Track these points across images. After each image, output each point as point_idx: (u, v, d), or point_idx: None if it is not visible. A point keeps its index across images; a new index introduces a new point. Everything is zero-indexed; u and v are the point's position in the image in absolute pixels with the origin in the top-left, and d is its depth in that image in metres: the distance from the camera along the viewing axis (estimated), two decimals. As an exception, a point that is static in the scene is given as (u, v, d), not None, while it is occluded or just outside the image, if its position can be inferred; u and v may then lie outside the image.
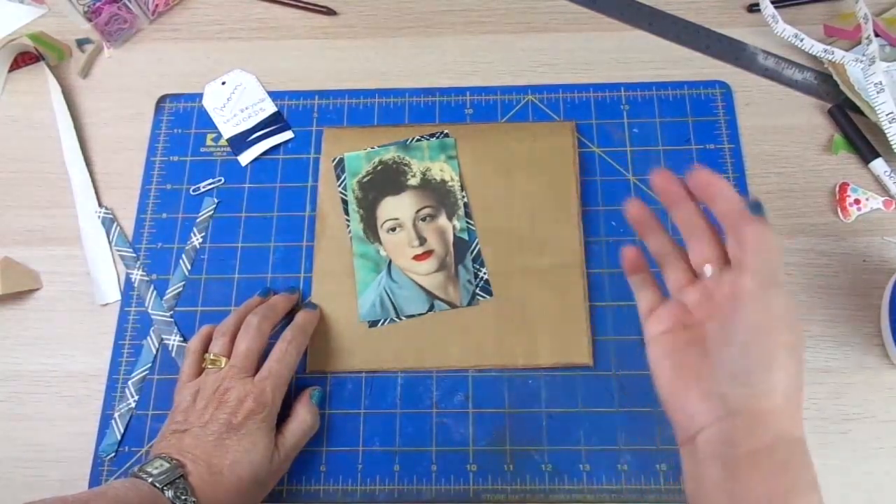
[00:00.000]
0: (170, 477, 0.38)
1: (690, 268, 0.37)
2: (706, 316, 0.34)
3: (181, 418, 0.43)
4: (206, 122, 0.57)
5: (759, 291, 0.32)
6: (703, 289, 0.35)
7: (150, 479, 0.38)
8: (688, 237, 0.37)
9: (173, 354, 0.50)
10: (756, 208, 0.33)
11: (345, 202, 0.53)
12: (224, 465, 0.40)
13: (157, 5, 0.61)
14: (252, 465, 0.41)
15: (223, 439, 0.41)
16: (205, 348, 0.46)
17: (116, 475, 0.47)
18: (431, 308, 0.50)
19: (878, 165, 0.52)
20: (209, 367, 0.45)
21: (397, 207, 0.52)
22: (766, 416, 0.31)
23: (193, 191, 0.55)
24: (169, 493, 0.38)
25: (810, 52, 0.55)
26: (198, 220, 0.54)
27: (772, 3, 0.57)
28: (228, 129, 0.56)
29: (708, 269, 0.35)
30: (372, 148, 0.54)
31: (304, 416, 0.46)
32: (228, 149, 0.56)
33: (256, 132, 0.56)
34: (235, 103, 0.57)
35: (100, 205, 0.55)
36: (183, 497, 0.38)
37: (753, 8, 0.59)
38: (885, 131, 0.51)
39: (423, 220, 0.52)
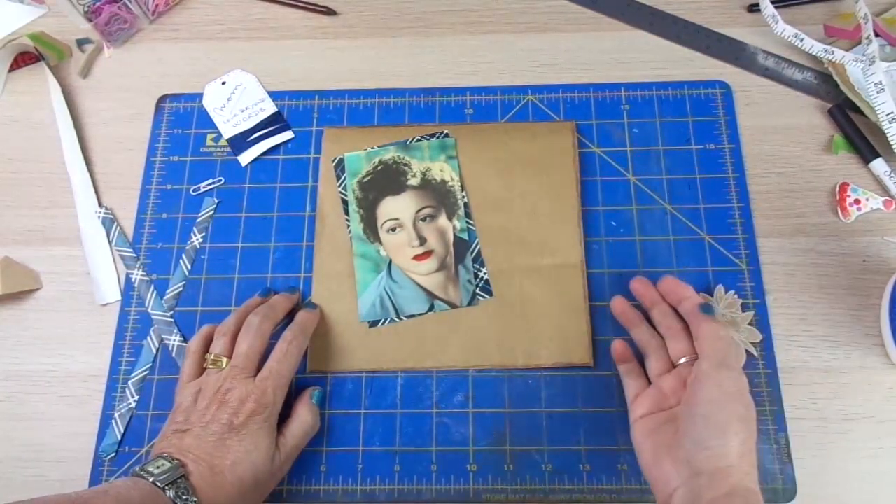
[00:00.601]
0: (171, 477, 0.38)
1: (669, 358, 0.45)
2: (678, 399, 0.42)
3: (182, 418, 0.43)
4: (206, 122, 0.57)
5: (713, 373, 0.40)
6: (677, 376, 0.43)
7: (151, 479, 0.38)
8: (665, 334, 0.46)
9: (173, 354, 0.50)
10: (707, 309, 0.43)
11: (345, 202, 0.53)
12: (225, 465, 0.40)
13: (157, 5, 0.61)
14: (253, 466, 0.41)
15: (224, 440, 0.41)
16: (205, 348, 0.46)
17: (116, 475, 0.47)
18: (431, 308, 0.50)
19: (878, 165, 0.52)
20: (210, 367, 0.45)
21: (397, 207, 0.52)
22: (723, 472, 0.37)
23: (193, 191, 0.55)
24: (170, 493, 0.38)
25: (810, 52, 0.55)
26: (198, 220, 0.54)
27: (772, 3, 0.57)
28: (228, 129, 0.56)
29: (683, 360, 0.44)
30: (372, 148, 0.54)
31: (304, 417, 0.46)
32: (228, 149, 0.56)
33: (256, 132, 0.56)
34: (235, 103, 0.57)
35: (100, 205, 0.55)
36: (184, 497, 0.38)
37: (753, 8, 0.59)
38: (885, 131, 0.51)
39: (424, 220, 0.52)
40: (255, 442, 0.42)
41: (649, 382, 0.45)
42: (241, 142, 0.56)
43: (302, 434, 0.45)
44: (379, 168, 0.54)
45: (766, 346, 0.48)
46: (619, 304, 0.48)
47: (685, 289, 0.45)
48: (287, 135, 0.56)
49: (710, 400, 0.39)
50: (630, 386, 0.46)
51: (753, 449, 0.38)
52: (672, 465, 0.39)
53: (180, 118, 0.57)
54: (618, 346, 0.47)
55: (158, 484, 0.38)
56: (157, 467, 0.39)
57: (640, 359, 0.47)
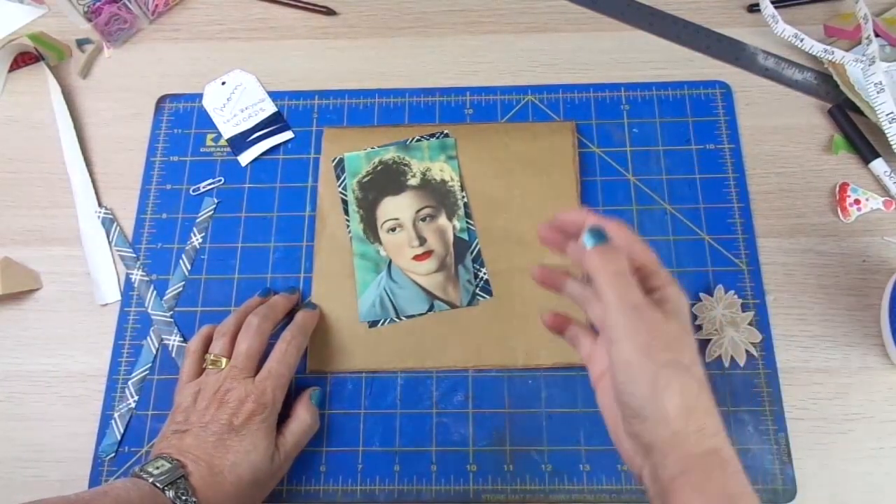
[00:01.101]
0: (171, 477, 0.38)
1: None
2: None
3: (182, 418, 0.43)
4: (206, 122, 0.57)
5: (619, 318, 0.30)
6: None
7: (150, 479, 0.38)
8: (582, 303, 0.37)
9: (173, 355, 0.50)
10: (595, 235, 0.32)
11: (345, 202, 0.53)
12: (225, 465, 0.40)
13: (157, 5, 0.61)
14: (253, 466, 0.41)
15: (224, 440, 0.41)
16: (205, 349, 0.46)
17: (116, 475, 0.47)
18: (431, 308, 0.50)
19: (878, 165, 0.52)
20: (210, 367, 0.45)
21: (397, 207, 0.52)
22: (671, 443, 0.29)
23: (193, 191, 0.55)
24: (170, 494, 0.38)
25: (810, 52, 0.55)
26: (198, 221, 0.54)
27: (772, 3, 0.57)
28: (228, 129, 0.56)
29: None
30: (372, 148, 0.54)
31: (304, 417, 0.46)
32: (228, 149, 0.56)
33: (256, 132, 0.56)
34: (235, 103, 0.57)
35: (100, 205, 0.55)
36: (184, 497, 0.38)
37: (753, 8, 0.59)
38: (885, 131, 0.51)
39: (423, 220, 0.52)
40: (255, 442, 0.42)
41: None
42: (240, 142, 0.56)
43: (301, 434, 0.45)
44: (379, 168, 0.54)
45: (766, 346, 0.48)
46: (538, 272, 0.39)
47: (576, 213, 0.35)
48: (287, 135, 0.56)
49: (624, 359, 0.30)
50: (581, 348, 0.38)
51: (702, 394, 0.30)
52: (628, 442, 0.32)
53: (180, 118, 0.57)
54: (546, 318, 0.39)
55: (158, 484, 0.38)
56: (157, 468, 0.39)
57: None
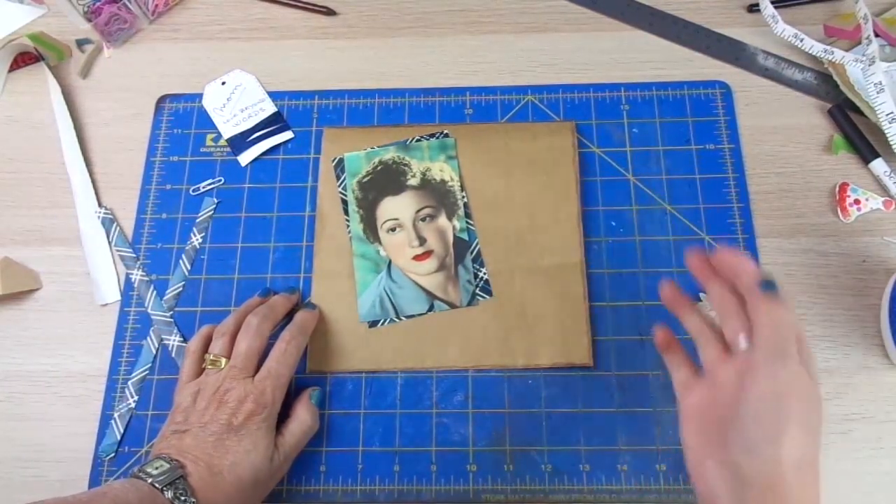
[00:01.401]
0: (170, 477, 0.38)
1: (725, 344, 0.37)
2: (734, 391, 0.35)
3: (181, 419, 0.43)
4: (206, 122, 0.57)
5: (767, 365, 0.33)
6: (733, 364, 0.36)
7: (149, 480, 0.38)
8: (720, 314, 0.37)
9: (173, 355, 0.50)
10: (768, 286, 0.34)
11: (345, 202, 0.53)
12: (224, 465, 0.40)
13: (157, 5, 0.61)
14: (252, 466, 0.41)
15: (223, 440, 0.41)
16: (205, 349, 0.46)
17: (116, 475, 0.47)
18: (431, 308, 0.50)
19: (878, 166, 0.52)
20: (209, 367, 0.45)
21: (397, 207, 0.52)
22: (775, 487, 0.31)
23: (193, 191, 0.55)
24: (168, 494, 0.38)
25: (810, 52, 0.55)
26: (198, 221, 0.54)
27: (772, 3, 0.57)
28: (228, 130, 0.56)
29: (742, 341, 0.36)
30: (372, 148, 0.54)
31: (303, 417, 0.46)
32: (228, 149, 0.56)
33: (256, 132, 0.56)
34: (235, 103, 0.57)
35: (100, 205, 0.55)
36: (182, 497, 0.38)
37: (753, 8, 0.59)
38: (885, 131, 0.51)
39: (423, 220, 0.52)
40: (254, 442, 0.42)
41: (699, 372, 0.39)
42: (240, 142, 0.56)
43: (301, 434, 0.45)
44: (379, 168, 0.54)
45: (766, 346, 0.48)
46: (668, 289, 0.41)
47: (743, 261, 0.36)
48: (287, 135, 0.56)
49: (763, 397, 0.33)
50: (678, 375, 0.40)
51: (815, 462, 0.33)
52: (717, 469, 0.34)
53: (180, 118, 0.57)
54: (659, 333, 0.41)
55: (157, 485, 0.38)
56: (156, 468, 0.39)
57: (692, 351, 0.40)
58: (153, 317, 0.51)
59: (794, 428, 0.32)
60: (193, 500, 0.38)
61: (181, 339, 0.50)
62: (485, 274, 0.51)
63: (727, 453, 0.34)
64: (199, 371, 0.46)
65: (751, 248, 0.51)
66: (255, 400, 0.43)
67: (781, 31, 0.56)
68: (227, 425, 0.42)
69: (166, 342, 0.50)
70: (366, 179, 0.54)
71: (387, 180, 0.53)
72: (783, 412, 0.32)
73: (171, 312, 0.51)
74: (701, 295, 0.49)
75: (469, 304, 0.50)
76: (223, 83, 0.58)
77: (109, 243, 0.53)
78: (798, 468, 0.32)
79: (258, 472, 0.42)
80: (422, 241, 0.51)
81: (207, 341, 0.47)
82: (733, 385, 0.35)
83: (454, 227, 0.52)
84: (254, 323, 0.46)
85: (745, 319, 0.36)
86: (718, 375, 0.36)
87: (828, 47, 0.55)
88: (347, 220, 0.53)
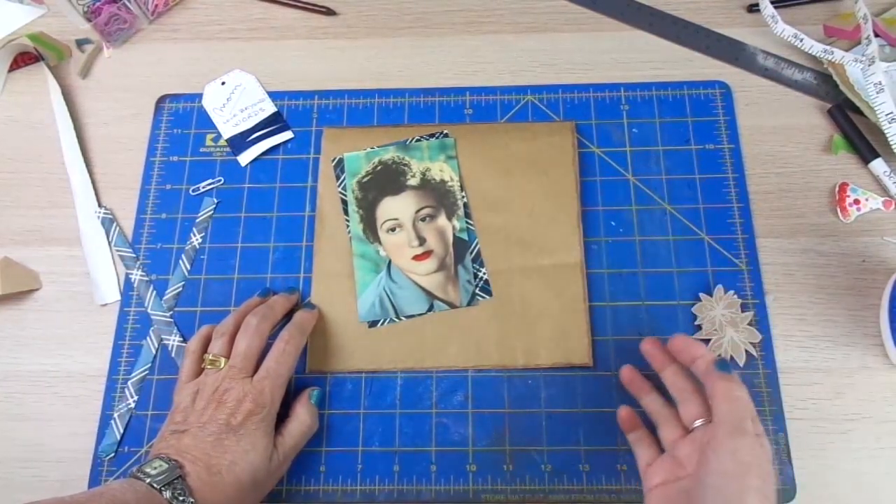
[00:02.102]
0: (168, 477, 0.38)
1: (682, 424, 0.41)
2: (694, 467, 0.38)
3: (180, 418, 0.43)
4: (206, 122, 0.57)
5: (727, 440, 0.36)
6: (692, 441, 0.40)
7: (148, 480, 0.38)
8: (677, 397, 0.42)
9: (173, 355, 0.50)
10: (722, 366, 0.39)
11: (344, 202, 0.53)
12: (223, 465, 0.40)
13: (156, 5, 0.61)
14: (251, 466, 0.41)
15: (222, 440, 0.41)
16: (204, 348, 0.46)
17: (116, 475, 0.47)
18: (431, 308, 0.50)
19: (878, 166, 0.52)
20: (208, 367, 0.45)
21: (397, 207, 0.52)
22: None
23: (193, 191, 0.55)
24: (167, 494, 0.38)
25: (810, 52, 0.55)
26: (197, 221, 0.54)
27: (771, 3, 0.57)
28: (228, 129, 0.56)
29: (698, 423, 0.40)
30: (371, 148, 0.54)
31: (303, 417, 0.46)
32: (228, 149, 0.56)
33: (256, 132, 0.56)
34: (235, 103, 0.57)
35: (99, 205, 0.55)
36: (181, 498, 0.38)
37: (753, 8, 0.59)
38: (885, 131, 0.51)
39: (423, 220, 0.52)
40: (253, 442, 0.42)
41: (662, 451, 0.42)
42: (240, 142, 0.56)
43: (300, 434, 0.45)
44: (378, 168, 0.54)
45: (766, 346, 0.48)
46: (627, 373, 0.46)
47: (697, 347, 0.41)
48: (287, 135, 0.56)
49: (723, 471, 0.36)
50: (641, 455, 0.43)
51: None
52: None
53: (180, 118, 0.57)
54: (623, 413, 0.45)
55: (155, 485, 0.38)
56: (154, 468, 0.39)
57: (650, 427, 0.44)
58: (153, 317, 0.51)
59: (752, 497, 0.34)
60: (192, 500, 0.38)
61: (181, 339, 0.50)
62: (484, 274, 0.51)
63: None
64: (199, 371, 0.46)
65: (750, 248, 0.51)
66: (253, 400, 0.43)
67: (781, 31, 0.56)
68: (225, 425, 0.42)
69: (166, 342, 0.50)
70: (366, 179, 0.54)
71: (386, 180, 0.53)
72: (744, 484, 0.35)
73: (171, 312, 0.51)
74: (701, 295, 0.49)
75: (469, 304, 0.50)
76: (223, 83, 0.58)
77: (109, 243, 0.53)
78: None
79: (257, 472, 0.42)
80: (421, 241, 0.51)
81: (207, 341, 0.47)
82: (694, 461, 0.38)
83: (454, 227, 0.52)
84: (253, 323, 0.46)
85: (701, 402, 0.40)
86: (679, 452, 0.40)
87: (827, 47, 0.55)
88: (347, 221, 0.53)
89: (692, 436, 0.40)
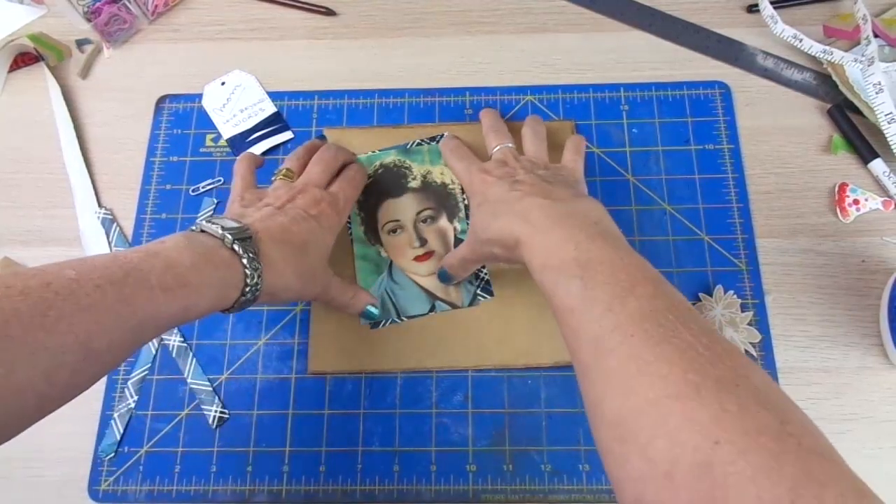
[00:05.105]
0: (240, 234, 0.36)
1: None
2: None
3: (248, 202, 0.43)
4: (206, 122, 0.57)
5: (466, 178, 0.48)
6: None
7: (219, 228, 0.36)
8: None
9: (173, 355, 0.50)
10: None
11: (345, 202, 0.53)
12: (295, 242, 0.40)
13: (156, 5, 0.61)
14: (318, 250, 0.42)
15: (297, 221, 0.41)
16: (251, 173, 0.47)
17: (116, 475, 0.47)
18: (432, 309, 0.50)
19: (878, 166, 0.52)
20: (281, 178, 0.45)
21: (398, 209, 0.52)
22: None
23: (193, 191, 0.55)
24: (237, 248, 0.36)
25: (809, 52, 0.56)
26: (197, 221, 0.54)
27: (771, 3, 0.57)
28: (228, 130, 0.56)
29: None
30: (373, 152, 0.54)
31: (362, 294, 0.48)
32: (228, 149, 0.56)
33: (256, 132, 0.56)
34: (235, 104, 0.57)
35: (99, 205, 0.55)
36: (251, 254, 0.36)
37: (753, 8, 0.59)
38: (884, 132, 0.51)
39: (424, 221, 0.52)
40: (323, 236, 0.43)
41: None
42: (240, 142, 0.56)
43: (343, 291, 0.46)
44: (380, 171, 0.54)
45: (765, 346, 0.48)
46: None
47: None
48: (287, 135, 0.56)
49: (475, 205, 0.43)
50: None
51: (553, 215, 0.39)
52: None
53: (180, 118, 0.57)
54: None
55: (229, 235, 0.36)
56: (226, 224, 0.37)
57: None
58: (153, 317, 0.51)
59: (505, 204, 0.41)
60: (258, 265, 0.36)
61: (181, 338, 0.50)
62: (485, 274, 0.51)
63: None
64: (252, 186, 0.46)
65: (750, 247, 0.51)
66: (329, 203, 0.44)
67: (781, 32, 0.56)
68: (304, 210, 0.42)
69: (166, 342, 0.50)
70: (367, 182, 0.53)
71: (388, 183, 0.53)
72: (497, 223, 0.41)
73: (171, 312, 0.51)
74: (700, 295, 0.49)
75: (470, 304, 0.50)
76: (223, 83, 0.58)
77: (109, 243, 0.53)
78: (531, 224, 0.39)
79: (316, 267, 0.42)
80: (423, 241, 0.52)
81: (253, 167, 0.47)
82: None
83: (455, 229, 0.52)
84: (332, 150, 0.49)
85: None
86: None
87: (827, 48, 0.55)
88: (348, 223, 0.53)
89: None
